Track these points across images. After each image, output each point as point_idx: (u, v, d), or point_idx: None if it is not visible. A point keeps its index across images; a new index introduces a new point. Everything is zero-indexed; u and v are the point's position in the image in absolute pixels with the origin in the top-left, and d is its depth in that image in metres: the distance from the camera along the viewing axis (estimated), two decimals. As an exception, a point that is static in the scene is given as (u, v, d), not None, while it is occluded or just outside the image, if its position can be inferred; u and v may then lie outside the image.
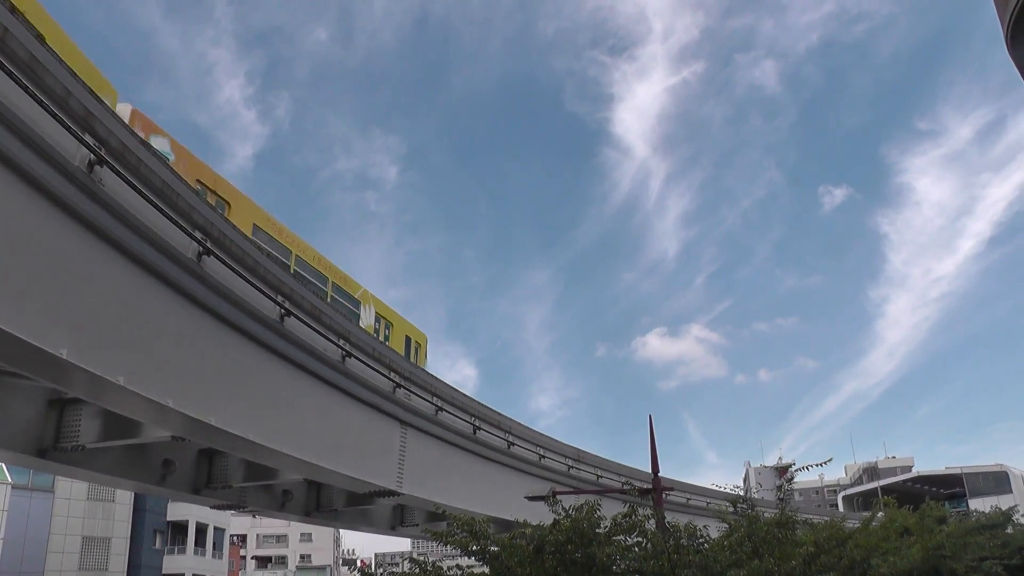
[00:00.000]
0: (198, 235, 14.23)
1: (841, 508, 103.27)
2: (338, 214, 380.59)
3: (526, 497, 22.09)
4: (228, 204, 22.77)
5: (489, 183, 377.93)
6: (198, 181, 21.66)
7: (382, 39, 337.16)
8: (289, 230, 26.25)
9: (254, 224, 24.22)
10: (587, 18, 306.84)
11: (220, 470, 19.79)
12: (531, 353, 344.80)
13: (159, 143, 20.22)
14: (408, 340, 35.29)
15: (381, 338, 30.39)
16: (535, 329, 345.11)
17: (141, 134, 21.04)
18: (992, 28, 10.71)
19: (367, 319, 30.88)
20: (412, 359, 33.37)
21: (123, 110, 18.90)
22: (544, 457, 32.93)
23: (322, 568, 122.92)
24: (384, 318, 33.21)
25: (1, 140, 10.09)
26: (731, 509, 20.77)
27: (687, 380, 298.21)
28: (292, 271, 24.29)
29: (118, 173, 12.08)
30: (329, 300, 26.18)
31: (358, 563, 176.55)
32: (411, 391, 23.34)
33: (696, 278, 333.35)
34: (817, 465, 22.24)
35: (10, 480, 55.31)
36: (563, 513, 17.18)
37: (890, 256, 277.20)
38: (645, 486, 21.40)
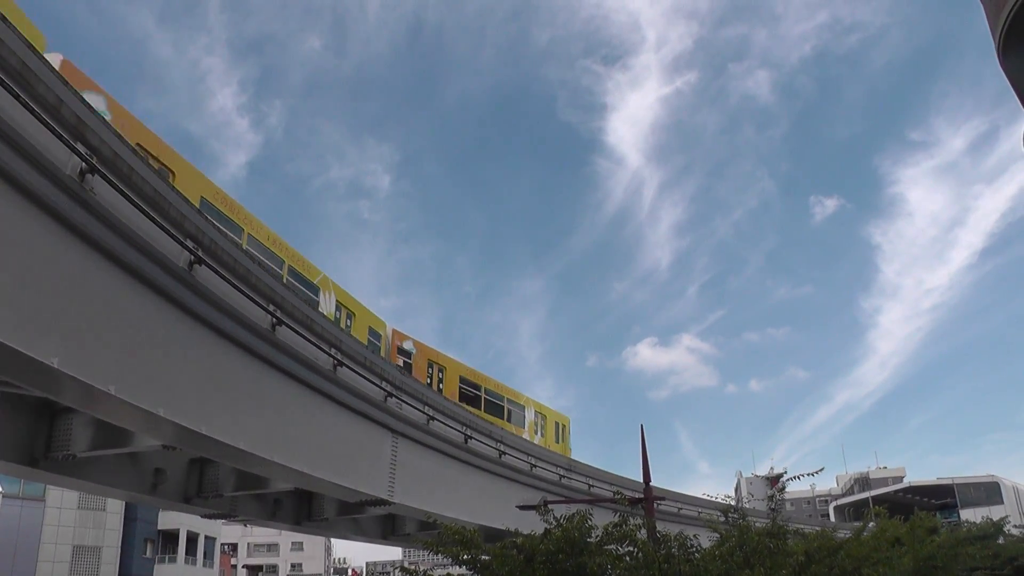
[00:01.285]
0: (189, 244, 14.23)
1: (832, 518, 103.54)
2: (331, 222, 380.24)
3: (517, 506, 22.11)
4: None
5: (482, 192, 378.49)
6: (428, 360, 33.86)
7: (375, 47, 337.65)
8: (498, 382, 41.22)
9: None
10: (580, 27, 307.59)
11: (211, 479, 19.77)
12: (523, 362, 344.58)
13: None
14: (557, 425, 48.09)
15: (538, 430, 44.64)
16: (527, 338, 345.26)
17: (398, 343, 29.81)
18: (985, 40, 10.81)
19: (529, 417, 44.06)
20: (559, 439, 47.25)
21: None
22: (535, 467, 32.93)
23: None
24: (540, 414, 45.83)
25: (-7, 149, 10.10)
26: (722, 519, 20.80)
27: (678, 390, 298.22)
28: (484, 400, 38.92)
29: (110, 182, 12.08)
30: (506, 410, 41.02)
31: (349, 572, 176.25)
32: (402, 400, 23.32)
33: (688, 288, 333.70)
34: (808, 475, 22.32)
35: (1, 489, 55.08)
36: (554, 522, 17.19)
37: (883, 267, 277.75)
38: (636, 495, 21.41)
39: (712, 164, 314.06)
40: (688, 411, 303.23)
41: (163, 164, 20.03)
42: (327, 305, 26.52)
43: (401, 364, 31.57)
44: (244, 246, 20.30)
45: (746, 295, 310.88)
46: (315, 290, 25.88)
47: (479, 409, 38.26)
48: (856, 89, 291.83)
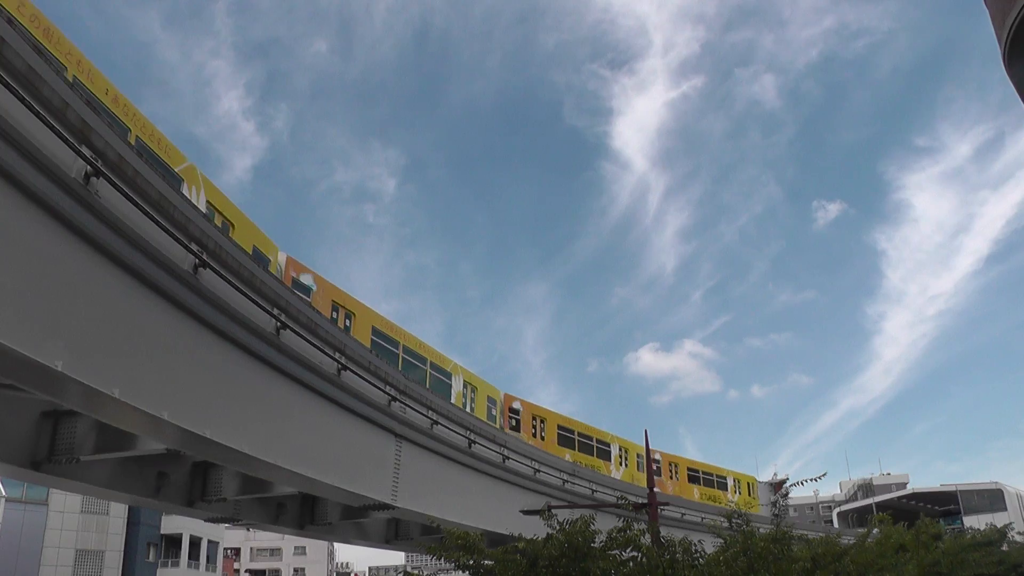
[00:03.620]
0: (195, 247, 14.24)
1: (836, 524, 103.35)
2: (336, 227, 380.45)
3: (521, 511, 22.06)
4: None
5: (487, 196, 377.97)
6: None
7: (382, 52, 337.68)
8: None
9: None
10: (587, 31, 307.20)
11: (215, 483, 19.74)
12: (528, 367, 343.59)
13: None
14: (749, 485, 63.45)
15: (738, 490, 61.70)
16: (532, 343, 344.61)
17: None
18: (991, 45, 10.77)
19: (730, 488, 59.99)
20: (749, 495, 63.33)
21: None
22: (539, 471, 32.88)
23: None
24: (738, 479, 61.72)
25: (-2, 151, 10.09)
26: (726, 524, 20.75)
27: (680, 395, 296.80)
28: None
29: (115, 185, 12.09)
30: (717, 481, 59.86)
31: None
32: (407, 404, 23.31)
33: (693, 293, 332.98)
34: (812, 480, 22.34)
35: (3, 493, 55.14)
36: (557, 527, 17.15)
37: (888, 273, 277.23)
38: (640, 500, 21.37)
39: (718, 169, 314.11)
40: (690, 417, 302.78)
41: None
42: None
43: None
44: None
45: (751, 301, 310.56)
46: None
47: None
48: (862, 94, 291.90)
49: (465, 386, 34.63)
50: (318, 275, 29.05)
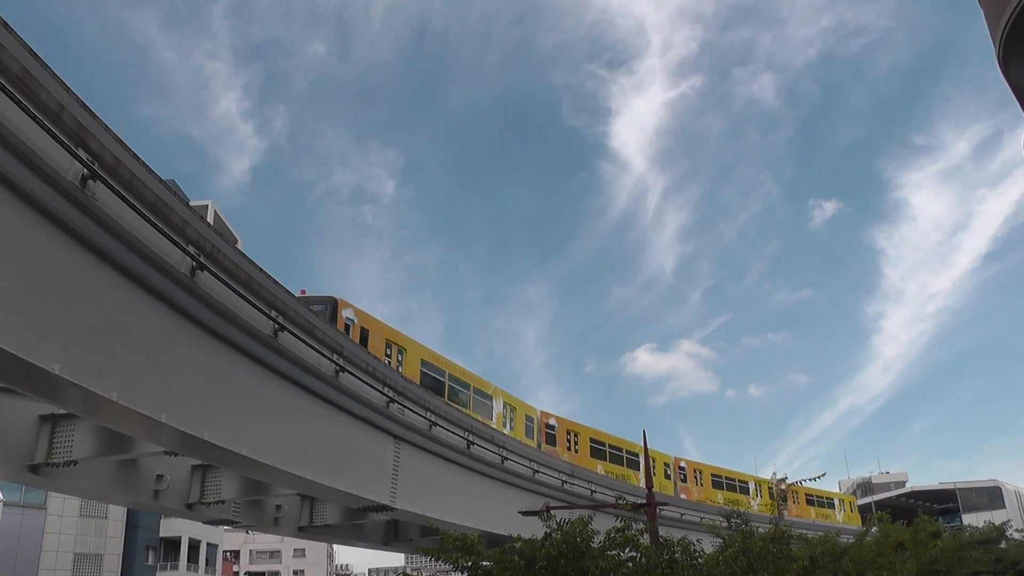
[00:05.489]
0: (192, 250, 14.22)
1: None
2: (335, 228, 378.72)
3: (520, 512, 22.06)
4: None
5: (486, 197, 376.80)
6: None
7: (380, 53, 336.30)
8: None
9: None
10: (585, 32, 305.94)
11: (213, 485, 19.74)
12: (527, 368, 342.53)
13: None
14: (848, 503, 75.12)
15: (842, 510, 71.72)
16: (531, 344, 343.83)
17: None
18: (988, 44, 10.79)
19: (836, 507, 70.30)
20: (851, 512, 72.69)
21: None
22: (538, 472, 32.88)
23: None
24: (844, 501, 73.96)
25: (-5, 155, 10.08)
26: (725, 524, 20.76)
27: (676, 395, 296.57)
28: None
29: (111, 188, 12.07)
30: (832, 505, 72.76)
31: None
32: (405, 406, 23.31)
33: (692, 293, 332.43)
34: (811, 479, 22.38)
35: (2, 497, 55.01)
36: (555, 526, 17.13)
37: (886, 271, 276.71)
38: (639, 501, 21.36)
39: (716, 169, 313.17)
40: (688, 417, 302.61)
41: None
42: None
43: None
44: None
45: (749, 300, 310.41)
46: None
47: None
48: (860, 93, 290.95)
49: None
50: (559, 416, 41.39)
